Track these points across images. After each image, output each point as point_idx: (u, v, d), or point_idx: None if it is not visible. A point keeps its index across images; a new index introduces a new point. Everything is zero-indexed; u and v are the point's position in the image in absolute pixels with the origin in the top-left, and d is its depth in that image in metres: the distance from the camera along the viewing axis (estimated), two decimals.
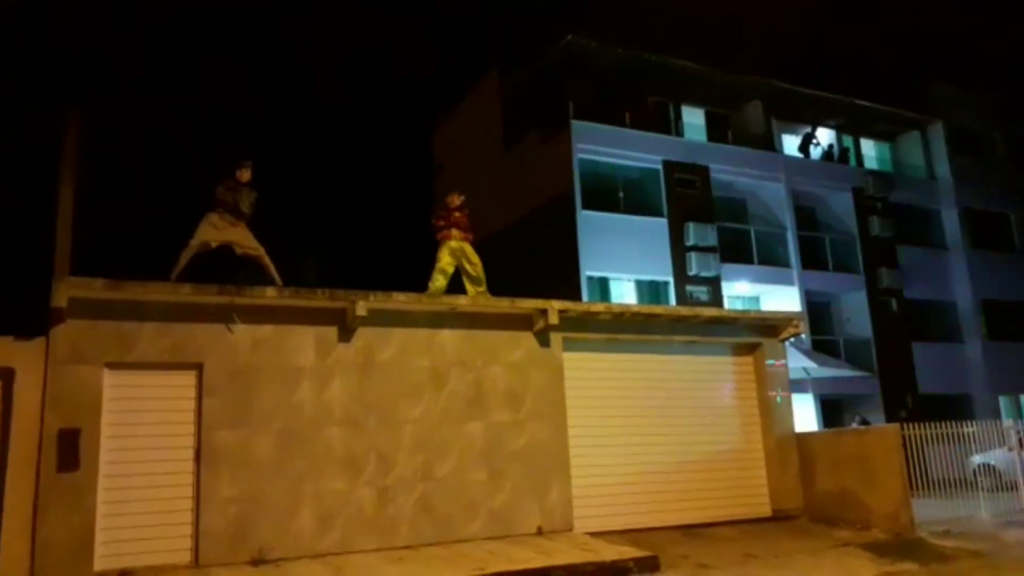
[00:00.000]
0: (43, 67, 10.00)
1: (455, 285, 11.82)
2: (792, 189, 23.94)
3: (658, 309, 13.56)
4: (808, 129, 25.79)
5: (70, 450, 8.86)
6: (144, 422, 9.47)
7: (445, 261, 11.62)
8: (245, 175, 10.51)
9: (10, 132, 9.53)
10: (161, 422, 9.54)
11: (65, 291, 8.93)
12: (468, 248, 11.80)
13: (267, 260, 10.54)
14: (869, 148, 27.49)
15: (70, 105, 10.04)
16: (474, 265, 11.76)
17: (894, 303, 24.26)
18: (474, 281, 11.75)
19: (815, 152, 25.72)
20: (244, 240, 10.44)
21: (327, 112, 28.24)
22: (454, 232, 11.68)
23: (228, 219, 10.31)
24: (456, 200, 11.93)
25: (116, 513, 9.06)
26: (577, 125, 20.88)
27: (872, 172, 25.89)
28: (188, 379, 9.73)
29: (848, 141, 26.63)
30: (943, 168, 26.87)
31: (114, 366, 9.36)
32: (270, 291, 10.05)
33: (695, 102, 24.05)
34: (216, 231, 10.25)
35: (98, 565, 8.80)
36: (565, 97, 21.35)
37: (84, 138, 10.35)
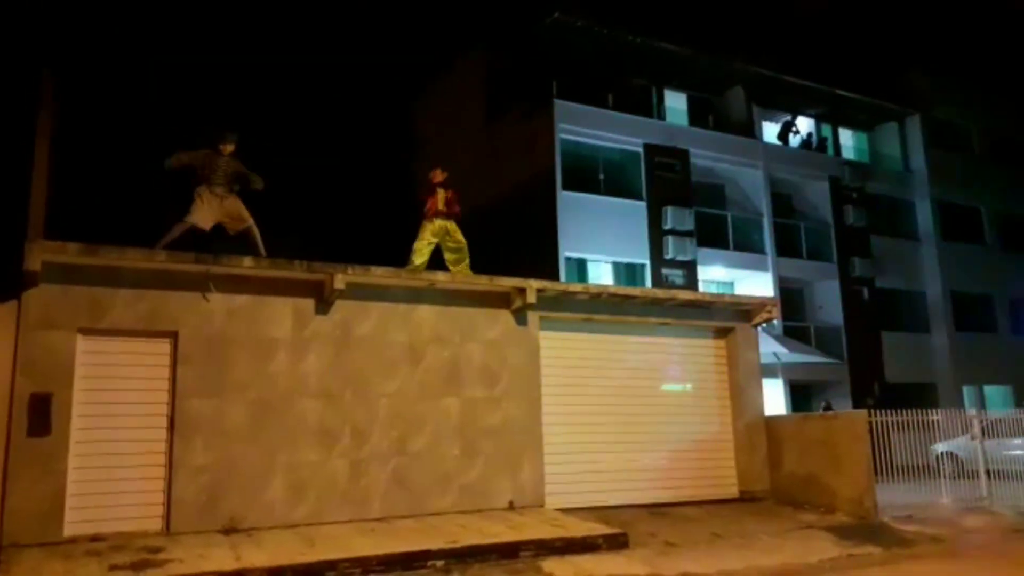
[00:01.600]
0: (17, 24, 9.77)
1: (436, 262, 11.80)
2: (770, 176, 24.13)
3: (635, 291, 13.66)
4: (788, 117, 25.95)
5: (41, 415, 8.80)
6: (117, 388, 9.40)
7: (427, 239, 11.58)
8: (228, 148, 10.41)
9: None
10: (135, 389, 9.49)
11: (39, 255, 8.80)
12: (452, 226, 11.74)
13: (255, 231, 10.48)
14: (847, 138, 27.74)
15: (44, 65, 9.84)
16: (458, 243, 11.72)
17: (866, 292, 24.63)
18: (456, 260, 11.72)
19: (794, 140, 25.90)
20: (235, 212, 10.37)
21: (307, 82, 27.88)
22: (438, 209, 11.63)
23: (218, 192, 10.22)
24: (439, 176, 11.85)
25: (87, 479, 9.02)
26: (560, 105, 20.84)
27: (849, 162, 26.15)
28: (163, 347, 9.68)
29: (827, 130, 26.84)
30: (919, 160, 27.20)
31: (87, 332, 9.28)
32: (247, 261, 9.99)
33: (678, 86, 24.08)
34: (209, 209, 10.17)
35: (68, 531, 8.77)
36: (549, 76, 21.27)
37: (59, 98, 10.17)
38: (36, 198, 9.42)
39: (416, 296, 11.23)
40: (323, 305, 10.55)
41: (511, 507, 11.10)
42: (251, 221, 10.46)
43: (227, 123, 10.92)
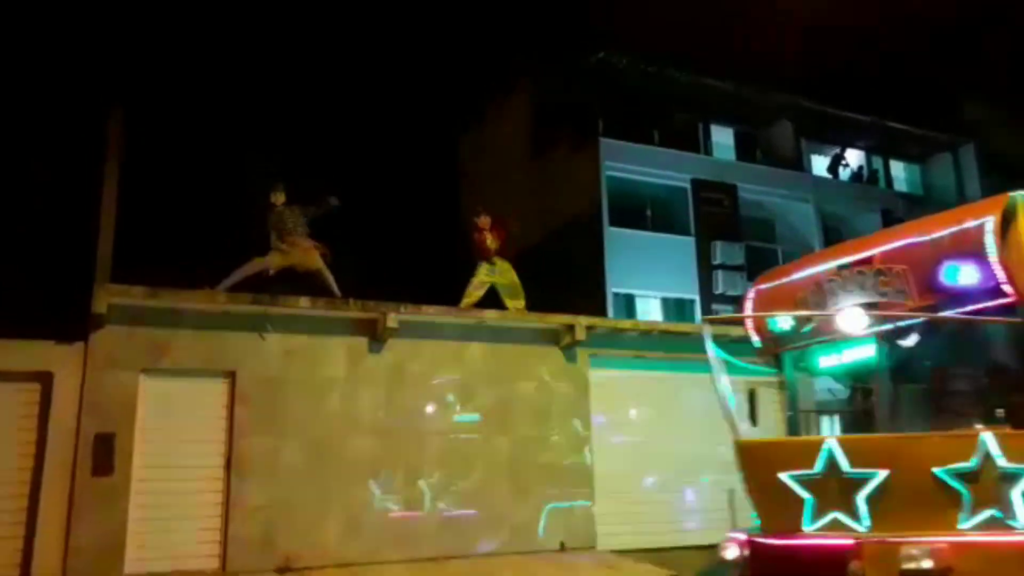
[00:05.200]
0: (88, 71, 10.22)
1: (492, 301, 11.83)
2: (820, 209, 23.80)
3: (686, 327, 13.53)
4: (837, 150, 25.67)
5: (105, 454, 9.02)
6: (177, 428, 9.61)
7: (480, 278, 11.67)
8: (280, 198, 10.72)
9: (53, 135, 9.75)
10: (193, 428, 9.69)
11: (105, 297, 9.11)
12: (505, 265, 11.82)
13: (327, 274, 10.69)
14: (899, 170, 27.29)
15: (114, 108, 10.26)
16: (511, 283, 11.77)
17: None
18: (512, 297, 11.75)
19: (844, 173, 25.58)
20: (305, 260, 10.62)
21: (358, 120, 28.53)
22: (490, 247, 11.74)
23: (291, 241, 10.53)
24: (485, 222, 11.93)
25: (147, 517, 9.20)
26: (606, 142, 20.93)
27: (901, 194, 25.69)
28: (221, 387, 9.89)
29: (878, 162, 26.46)
30: (974, 189, 26.53)
31: (149, 372, 9.53)
32: (303, 301, 10.19)
33: (724, 121, 24.02)
34: (278, 256, 10.48)
35: (128, 568, 8.93)
36: (594, 113, 21.42)
37: (126, 141, 10.58)
38: (104, 241, 9.74)
39: (467, 334, 11.30)
40: (376, 344, 10.68)
41: (562, 548, 10.98)
42: (322, 265, 10.67)
43: (275, 167, 11.25)
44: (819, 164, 25.53)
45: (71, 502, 8.84)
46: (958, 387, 6.72)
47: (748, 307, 7.77)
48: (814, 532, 5.77)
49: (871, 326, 6.46)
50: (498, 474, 11.01)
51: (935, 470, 5.41)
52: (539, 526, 11.00)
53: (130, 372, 9.38)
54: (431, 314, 10.85)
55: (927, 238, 6.15)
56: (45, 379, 9.08)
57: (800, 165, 24.22)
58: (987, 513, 5.33)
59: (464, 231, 12.53)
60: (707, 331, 6.80)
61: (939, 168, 27.43)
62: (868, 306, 6.18)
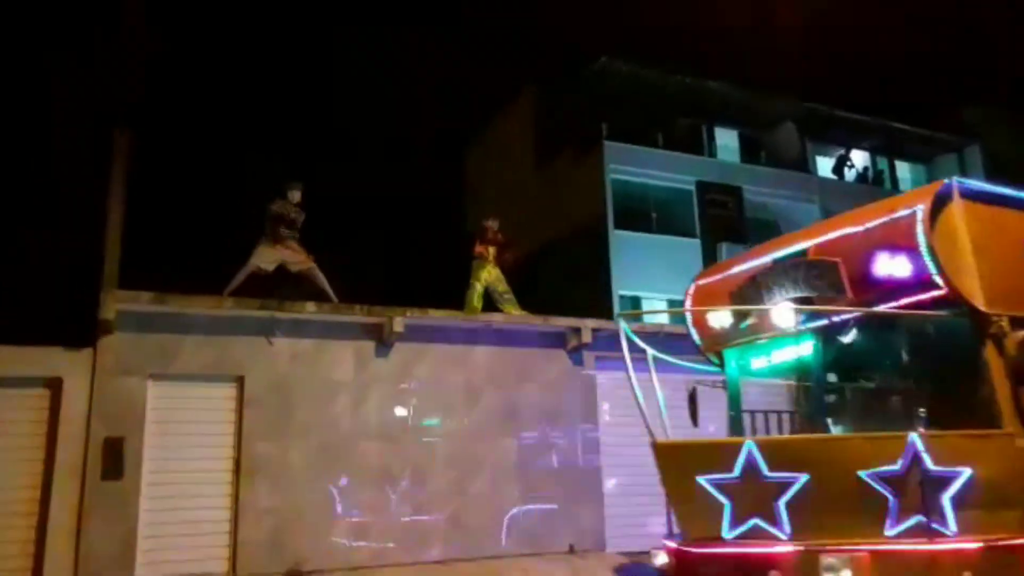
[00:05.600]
0: (95, 79, 10.30)
1: (490, 305, 11.92)
2: (825, 210, 23.73)
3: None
4: (842, 151, 25.65)
5: (115, 459, 9.06)
6: (186, 432, 9.66)
7: (481, 281, 11.77)
8: (296, 196, 10.79)
9: (61, 143, 9.83)
10: (202, 433, 9.73)
11: (113, 303, 9.18)
12: (498, 272, 11.98)
13: (318, 273, 10.76)
14: (904, 170, 27.25)
15: (122, 125, 10.34)
16: (508, 290, 11.92)
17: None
18: (509, 304, 11.88)
19: (849, 174, 25.55)
20: (296, 257, 10.68)
21: (363, 129, 28.66)
22: (491, 255, 11.88)
23: (284, 243, 10.58)
24: (495, 225, 12.17)
25: (157, 522, 9.24)
26: (610, 146, 20.98)
27: None
28: (229, 391, 9.92)
29: (883, 163, 26.43)
30: None
31: (158, 377, 9.58)
32: (310, 305, 10.23)
33: (728, 123, 24.04)
34: (272, 251, 10.53)
35: (139, 572, 8.97)
36: (598, 118, 21.47)
37: (134, 152, 10.66)
38: (111, 248, 9.80)
39: (473, 338, 11.32)
40: (383, 348, 10.71)
41: (572, 551, 10.97)
42: (312, 263, 10.73)
43: (296, 174, 11.32)
44: (824, 165, 25.52)
45: (81, 507, 8.88)
46: (896, 386, 6.49)
47: (688, 304, 7.64)
48: (734, 540, 5.38)
49: (806, 322, 6.28)
50: (506, 477, 11.01)
51: (860, 473, 5.08)
52: (548, 529, 11.00)
53: (139, 377, 9.42)
54: (437, 318, 10.88)
55: (860, 228, 5.89)
56: (54, 385, 9.13)
57: (805, 166, 24.22)
58: (914, 519, 5.01)
59: (470, 235, 12.59)
60: (622, 326, 6.52)
61: (945, 169, 27.33)
62: (802, 301, 5.97)
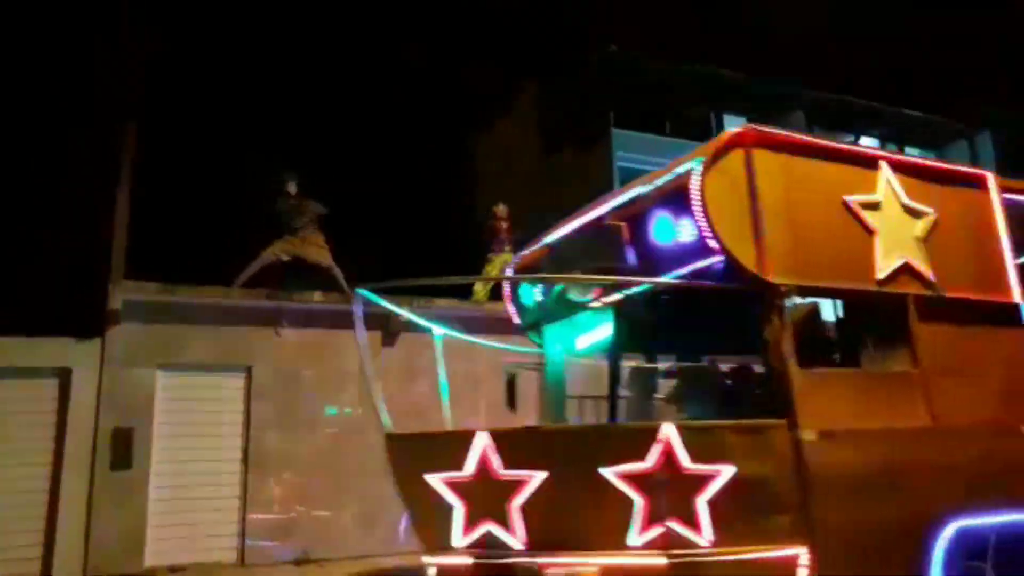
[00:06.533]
0: (101, 71, 10.31)
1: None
2: None
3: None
4: (851, 138, 25.47)
5: (123, 449, 9.12)
6: (194, 423, 9.70)
7: (490, 271, 11.77)
8: (292, 188, 10.78)
9: (68, 135, 9.85)
10: (211, 423, 9.78)
11: (120, 294, 9.21)
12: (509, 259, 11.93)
13: (336, 271, 10.75)
14: (913, 157, 27.06)
15: (128, 118, 10.36)
16: None
17: None
18: None
19: None
20: (314, 254, 10.68)
21: (368, 117, 28.61)
22: (505, 246, 11.88)
23: (303, 236, 10.58)
24: (503, 211, 12.20)
25: (166, 511, 9.30)
26: (617, 134, 20.90)
27: None
28: (237, 381, 9.96)
29: (892, 149, 26.26)
30: None
31: (166, 367, 9.61)
32: (316, 295, 10.25)
33: (736, 111, 23.87)
34: (288, 246, 10.53)
35: (148, 561, 9.03)
36: (605, 106, 21.38)
37: (141, 145, 10.69)
38: (118, 240, 9.84)
39: (477, 327, 11.30)
40: (389, 337, 10.72)
41: None
42: (331, 260, 10.72)
43: (286, 167, 11.30)
44: None
45: (91, 496, 8.94)
46: (702, 368, 5.97)
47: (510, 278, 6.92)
48: (465, 549, 4.42)
49: (606, 295, 5.58)
50: None
51: (602, 471, 4.17)
52: None
53: (147, 367, 9.46)
54: (443, 307, 10.87)
55: (650, 187, 5.01)
56: (63, 375, 9.18)
57: None
58: (664, 526, 4.16)
59: (477, 225, 12.58)
60: (358, 303, 5.30)
61: (955, 156, 27.15)
62: (603, 271, 5.21)
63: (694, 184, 4.44)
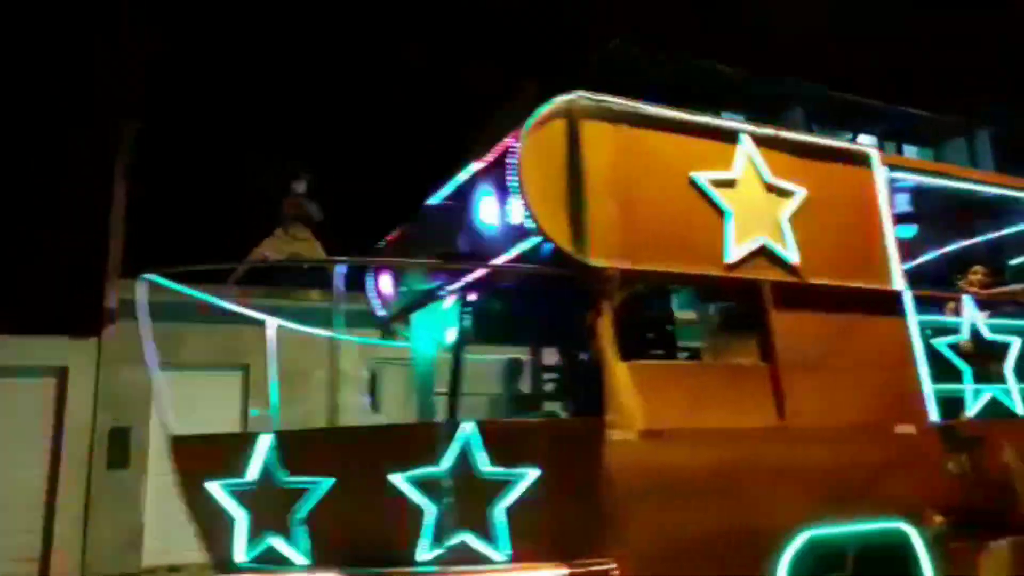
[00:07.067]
0: (99, 71, 10.29)
1: None
2: None
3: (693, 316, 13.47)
4: (850, 135, 25.48)
5: (121, 448, 9.11)
6: (192, 421, 9.61)
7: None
8: (300, 187, 10.79)
9: (66, 142, 9.84)
10: (209, 422, 9.61)
11: (117, 292, 9.17)
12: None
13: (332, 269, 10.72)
14: (912, 154, 27.05)
15: (125, 117, 10.35)
16: None
17: None
18: None
19: None
20: (311, 253, 10.67)
21: (369, 113, 28.60)
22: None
23: (293, 233, 10.57)
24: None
25: (164, 511, 9.26)
26: None
27: None
28: (234, 380, 9.94)
29: (890, 148, 26.25)
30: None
31: (164, 366, 9.55)
32: (314, 294, 10.21)
33: (735, 108, 23.82)
34: (280, 243, 10.52)
35: (147, 561, 9.02)
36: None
37: (139, 143, 10.66)
38: (115, 239, 9.82)
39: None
40: (387, 335, 10.66)
41: None
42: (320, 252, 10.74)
43: (302, 165, 11.27)
44: None
45: (88, 495, 8.93)
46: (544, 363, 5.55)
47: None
48: (249, 566, 3.88)
49: (449, 283, 5.17)
50: None
51: (390, 477, 3.69)
52: None
53: (144, 366, 9.38)
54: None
55: (482, 164, 4.60)
56: (60, 374, 9.17)
57: None
58: (457, 538, 3.64)
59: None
60: (141, 291, 4.50)
61: (953, 153, 27.15)
62: (452, 257, 4.84)
63: (512, 158, 4.05)
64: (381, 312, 6.23)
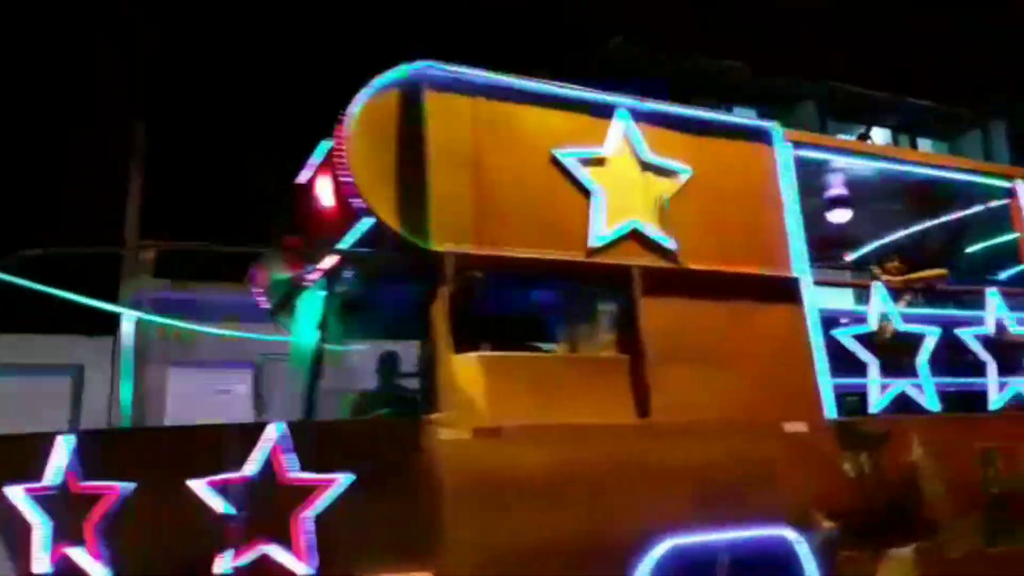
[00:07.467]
0: (113, 69, 10.36)
1: None
2: None
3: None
4: (863, 129, 25.32)
5: None
6: (206, 419, 9.72)
7: None
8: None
9: (84, 141, 9.91)
10: (224, 419, 9.81)
11: (133, 290, 9.25)
12: None
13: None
14: (927, 147, 26.88)
15: (139, 116, 10.42)
16: None
17: None
18: None
19: None
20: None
21: None
22: None
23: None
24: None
25: None
26: None
27: None
28: (245, 377, 10.01)
29: (904, 141, 26.07)
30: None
31: (178, 364, 9.66)
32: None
33: (746, 102, 23.74)
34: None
35: None
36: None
37: (153, 143, 10.73)
38: (130, 237, 9.90)
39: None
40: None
41: None
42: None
43: (300, 160, 11.28)
44: None
45: None
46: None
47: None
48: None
49: (305, 272, 4.63)
50: None
51: (191, 483, 3.30)
52: None
53: (159, 364, 9.52)
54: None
55: (331, 145, 3.97)
56: (77, 372, 9.25)
57: None
58: (261, 549, 3.28)
59: None
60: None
61: (968, 146, 26.94)
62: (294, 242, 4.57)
63: (340, 132, 3.64)
64: (267, 304, 5.66)
